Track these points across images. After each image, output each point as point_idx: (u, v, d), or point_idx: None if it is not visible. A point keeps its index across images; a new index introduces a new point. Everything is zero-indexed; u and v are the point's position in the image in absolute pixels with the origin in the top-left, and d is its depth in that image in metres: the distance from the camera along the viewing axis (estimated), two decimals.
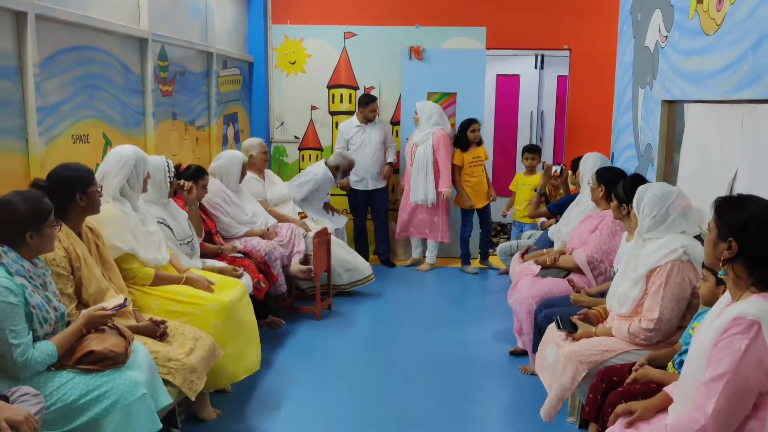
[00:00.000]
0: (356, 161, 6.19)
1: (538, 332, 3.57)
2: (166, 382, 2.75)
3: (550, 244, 4.62)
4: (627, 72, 5.36)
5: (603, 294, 3.40)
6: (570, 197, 4.95)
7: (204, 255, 4.12)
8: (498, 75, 8.69)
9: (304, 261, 4.98)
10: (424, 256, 6.51)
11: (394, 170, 6.62)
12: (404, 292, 5.75)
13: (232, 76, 6.08)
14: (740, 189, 2.80)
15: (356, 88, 6.78)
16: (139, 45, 4.24)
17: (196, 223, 4.14)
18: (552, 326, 3.24)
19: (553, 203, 5.33)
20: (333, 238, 5.27)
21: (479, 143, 6.31)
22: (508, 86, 8.80)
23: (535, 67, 8.70)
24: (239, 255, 4.35)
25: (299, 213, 5.57)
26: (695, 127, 3.65)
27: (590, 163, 4.51)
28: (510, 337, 4.41)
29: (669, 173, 4.17)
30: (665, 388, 2.29)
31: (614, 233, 3.80)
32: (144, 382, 2.51)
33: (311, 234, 5.01)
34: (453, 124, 6.58)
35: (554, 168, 5.60)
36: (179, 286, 3.41)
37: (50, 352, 2.39)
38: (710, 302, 2.43)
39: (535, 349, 3.53)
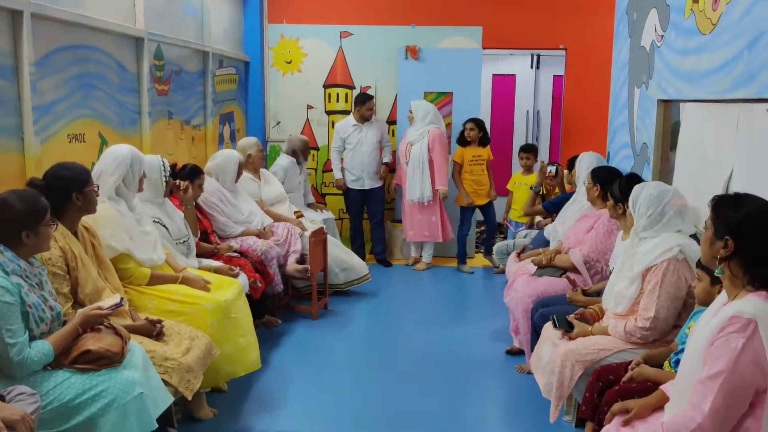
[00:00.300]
0: (353, 160, 6.26)
1: (535, 331, 3.58)
2: (163, 382, 2.74)
3: (546, 243, 4.62)
4: (623, 71, 5.36)
5: (600, 293, 3.40)
6: (566, 196, 4.95)
7: (200, 254, 4.12)
8: (494, 75, 8.70)
9: (301, 260, 4.98)
10: (421, 256, 6.52)
11: (391, 169, 6.62)
12: (400, 292, 5.75)
13: (228, 75, 6.07)
14: (736, 188, 2.81)
15: (352, 88, 6.78)
16: (135, 44, 4.22)
17: (192, 223, 4.13)
18: (548, 325, 3.24)
19: (549, 201, 5.34)
20: (329, 237, 5.28)
21: (482, 143, 6.32)
22: (504, 86, 8.81)
23: (531, 67, 8.71)
24: (235, 254, 4.35)
25: (295, 212, 5.57)
26: (691, 127, 3.66)
27: (586, 162, 4.51)
28: (506, 336, 4.41)
29: (665, 172, 4.18)
30: (662, 387, 2.30)
31: (610, 232, 3.80)
32: (140, 382, 2.50)
33: (307, 233, 5.01)
34: (449, 124, 6.59)
35: (549, 168, 5.61)
36: (175, 286, 3.40)
37: (46, 352, 2.38)
38: (706, 302, 2.44)
39: (531, 348, 3.54)
